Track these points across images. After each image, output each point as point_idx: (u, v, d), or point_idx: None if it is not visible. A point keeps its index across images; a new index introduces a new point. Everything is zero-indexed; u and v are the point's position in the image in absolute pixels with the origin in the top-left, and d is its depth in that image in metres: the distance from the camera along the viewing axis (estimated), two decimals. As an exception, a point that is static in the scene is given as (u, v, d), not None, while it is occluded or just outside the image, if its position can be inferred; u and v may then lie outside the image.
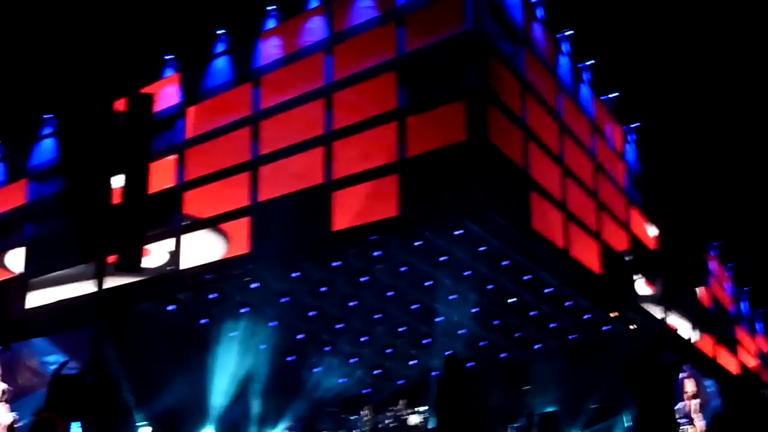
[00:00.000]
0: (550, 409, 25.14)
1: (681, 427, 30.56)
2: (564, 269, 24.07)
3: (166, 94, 26.00)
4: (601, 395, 25.19)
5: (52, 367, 27.21)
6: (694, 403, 32.80)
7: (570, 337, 28.06)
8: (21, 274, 27.91)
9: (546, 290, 25.49)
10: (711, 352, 35.90)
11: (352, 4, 23.08)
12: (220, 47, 25.43)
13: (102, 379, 23.67)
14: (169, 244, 24.44)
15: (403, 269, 24.33)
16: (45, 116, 28.82)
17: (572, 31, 26.14)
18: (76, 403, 17.51)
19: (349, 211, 21.66)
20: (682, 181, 31.58)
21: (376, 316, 26.86)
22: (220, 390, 24.46)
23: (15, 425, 25.79)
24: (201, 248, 23.93)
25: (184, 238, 24.35)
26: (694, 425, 32.55)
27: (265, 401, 25.34)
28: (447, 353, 17.61)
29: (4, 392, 27.41)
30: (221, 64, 25.26)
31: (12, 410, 23.43)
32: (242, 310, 24.97)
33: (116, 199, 19.13)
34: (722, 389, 37.40)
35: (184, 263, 24.07)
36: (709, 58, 33.49)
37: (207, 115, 25.00)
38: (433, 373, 27.84)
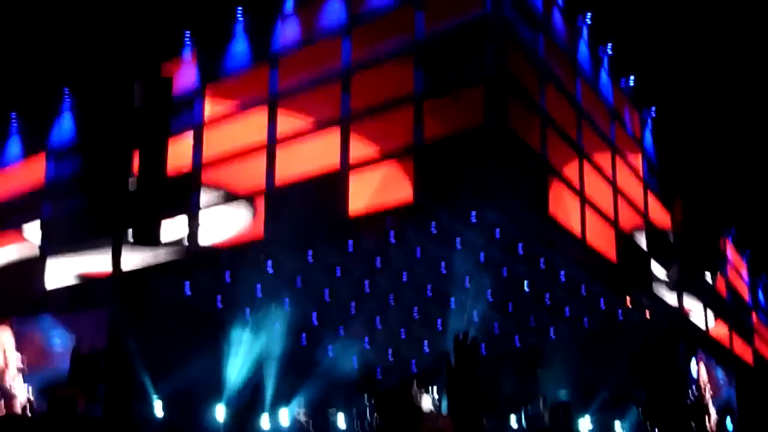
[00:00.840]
0: (562, 395, 25.22)
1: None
2: (579, 255, 24.09)
3: (184, 73, 26.07)
4: (614, 383, 25.21)
5: (57, 347, 27.55)
6: (707, 394, 32.90)
7: (584, 323, 28.05)
8: (40, 252, 28.14)
9: (561, 276, 25.50)
10: (727, 342, 35.89)
11: (371, -13, 23.09)
12: (238, 28, 25.45)
13: (119, 357, 24.03)
14: (186, 223, 24.64)
15: (417, 253, 24.38)
16: (64, 93, 28.92)
17: (591, 16, 25.97)
18: (97, 381, 17.71)
19: (364, 194, 21.75)
20: (698, 167, 31.44)
21: (389, 300, 26.94)
22: (234, 370, 24.64)
23: (31, 398, 26.18)
24: (222, 222, 24.14)
25: (203, 213, 24.56)
26: (708, 412, 32.69)
27: (278, 382, 25.50)
28: (457, 334, 17.56)
29: (20, 369, 27.82)
30: (239, 44, 25.29)
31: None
32: (257, 292, 25.10)
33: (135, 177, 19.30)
34: (737, 379, 37.45)
35: (202, 242, 24.26)
36: (728, 43, 33.27)
37: (225, 96, 25.07)
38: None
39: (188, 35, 26.31)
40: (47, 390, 25.19)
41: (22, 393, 27.60)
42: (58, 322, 27.94)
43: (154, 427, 22.01)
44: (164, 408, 22.70)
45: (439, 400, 25.99)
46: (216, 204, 24.33)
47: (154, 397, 23.02)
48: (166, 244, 23.90)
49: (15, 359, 28.23)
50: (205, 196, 24.65)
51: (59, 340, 27.74)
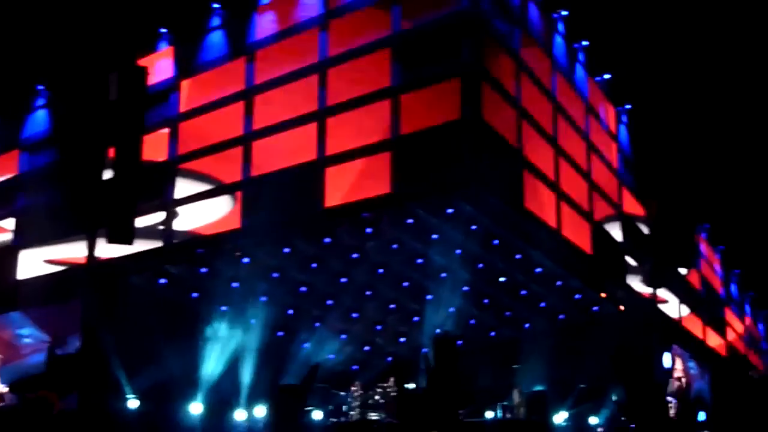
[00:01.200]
0: (538, 388, 25.29)
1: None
2: (555, 249, 24.17)
3: (161, 67, 25.95)
4: (590, 375, 25.35)
5: (26, 341, 27.40)
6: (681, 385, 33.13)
7: (560, 316, 28.18)
8: (12, 245, 27.95)
9: (537, 270, 25.58)
10: (700, 334, 36.18)
11: (348, -20, 23.05)
12: (215, 21, 25.36)
13: (93, 351, 23.78)
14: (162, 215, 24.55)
15: (394, 246, 24.39)
16: (38, 87, 28.77)
17: (568, 12, 26.08)
18: (72, 382, 17.72)
19: (341, 187, 21.73)
20: (673, 163, 31.64)
21: (366, 293, 26.94)
22: (210, 364, 24.55)
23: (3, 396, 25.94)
24: (198, 214, 24.08)
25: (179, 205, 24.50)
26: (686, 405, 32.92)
27: (255, 376, 25.43)
28: (437, 333, 17.61)
29: None
30: (216, 38, 25.21)
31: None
32: (233, 285, 25.03)
33: (109, 172, 19.09)
34: (711, 371, 37.76)
35: (178, 234, 24.17)
36: (703, 41, 33.52)
37: (201, 89, 24.97)
38: (423, 350, 28.04)
39: (165, 29, 26.20)
40: (18, 385, 25.05)
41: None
42: (28, 316, 27.81)
43: (130, 422, 21.87)
44: (140, 402, 22.56)
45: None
46: (192, 196, 24.22)
47: (129, 391, 22.86)
48: (141, 236, 23.81)
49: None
50: (181, 189, 24.54)
51: (28, 335, 27.64)
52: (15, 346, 27.65)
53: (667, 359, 30.29)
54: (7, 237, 28.39)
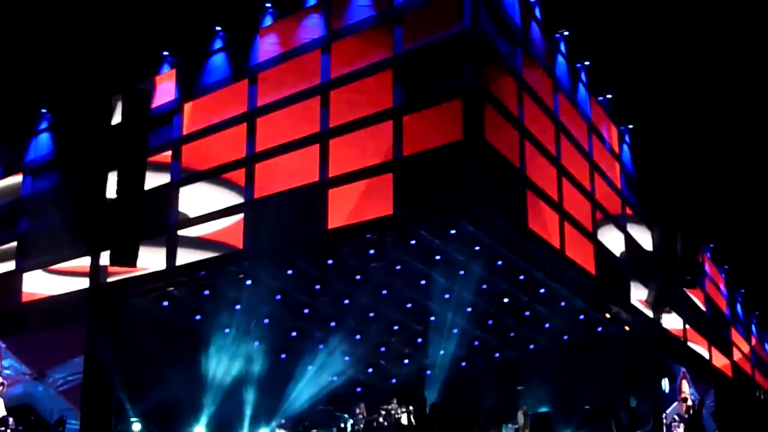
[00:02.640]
0: (543, 410, 25.22)
1: (673, 424, 30.78)
2: (559, 270, 24.16)
3: (163, 90, 26.07)
4: (594, 396, 25.25)
5: (7, 372, 27.47)
6: (687, 405, 33.02)
7: (564, 337, 28.12)
8: (15, 269, 28.00)
9: (540, 290, 25.58)
10: (706, 354, 36.06)
11: (350, 2, 23.10)
12: (217, 44, 25.48)
13: (97, 374, 23.81)
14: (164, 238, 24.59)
15: (397, 268, 24.41)
16: (42, 111, 28.91)
17: (569, 32, 26.15)
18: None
19: (344, 209, 21.72)
20: (676, 183, 31.64)
21: (370, 315, 26.93)
22: (213, 386, 24.51)
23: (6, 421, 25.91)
24: (200, 235, 24.08)
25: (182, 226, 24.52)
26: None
27: (258, 398, 25.39)
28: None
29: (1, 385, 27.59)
30: (218, 60, 25.30)
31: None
32: (236, 307, 25.03)
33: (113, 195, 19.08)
34: (716, 391, 37.63)
35: (180, 257, 24.19)
36: (705, 61, 33.58)
37: (203, 112, 25.05)
38: (428, 372, 28.01)
39: (167, 52, 26.33)
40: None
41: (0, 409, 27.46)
42: (8, 348, 27.96)
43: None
44: (143, 425, 22.51)
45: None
46: (194, 218, 24.26)
47: (132, 414, 22.83)
48: (145, 259, 23.85)
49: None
50: (184, 210, 24.58)
51: (8, 366, 27.74)
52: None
53: (666, 384, 30.21)
54: (8, 262, 28.43)
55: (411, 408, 25.80)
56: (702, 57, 33.33)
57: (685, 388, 33.12)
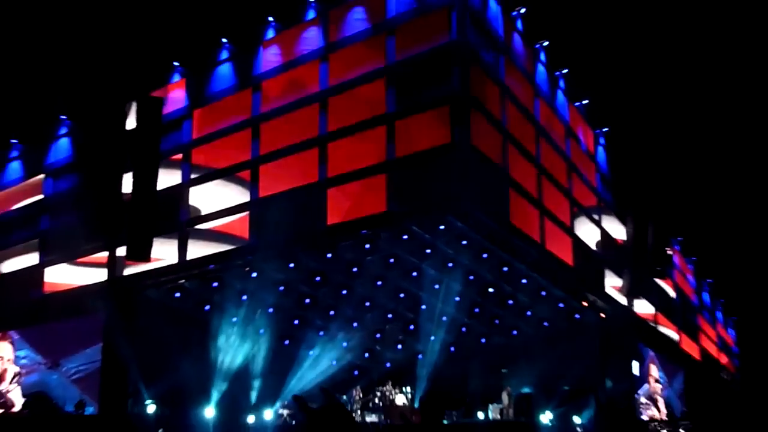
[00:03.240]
0: (526, 390, 25.29)
1: (642, 405, 30.92)
2: (539, 262, 24.22)
3: (174, 97, 26.10)
4: (573, 378, 25.36)
5: (23, 362, 27.59)
6: (659, 387, 33.20)
7: (544, 324, 28.18)
8: (38, 263, 28.04)
9: (523, 281, 25.63)
10: (676, 339, 36.19)
11: (346, 16, 23.15)
12: (223, 55, 25.51)
13: (114, 360, 23.87)
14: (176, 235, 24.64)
15: (391, 261, 24.46)
16: (61, 117, 28.93)
17: (548, 43, 26.22)
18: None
19: (341, 206, 21.79)
20: (648, 181, 31.77)
21: (366, 304, 26.99)
22: (222, 371, 24.57)
23: (28, 404, 26.01)
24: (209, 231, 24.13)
25: (192, 223, 24.56)
26: (657, 407, 32.98)
27: (263, 381, 25.46)
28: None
29: (16, 375, 27.69)
30: (225, 70, 25.34)
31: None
32: (243, 298, 25.10)
33: (127, 195, 19.12)
34: (686, 374, 37.78)
35: (191, 251, 24.24)
36: (671, 69, 33.79)
37: (211, 118, 25.08)
38: (419, 356, 28.10)
39: (177, 62, 26.37)
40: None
41: (17, 396, 27.51)
42: (25, 339, 28.09)
43: (148, 425, 21.87)
44: (157, 407, 22.57)
45: (411, 396, 26.07)
46: (203, 216, 24.30)
47: (147, 396, 22.88)
48: (157, 253, 23.93)
49: (12, 367, 28.18)
50: (194, 208, 24.63)
51: (24, 356, 27.86)
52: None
53: (636, 367, 30.32)
54: (31, 258, 28.47)
55: (406, 389, 26.03)
56: (669, 66, 33.52)
57: (653, 371, 33.25)
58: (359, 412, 24.99)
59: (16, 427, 22.79)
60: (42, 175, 29.11)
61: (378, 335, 29.43)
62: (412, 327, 28.39)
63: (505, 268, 24.86)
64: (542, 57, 26.09)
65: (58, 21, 28.82)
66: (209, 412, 23.25)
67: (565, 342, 26.94)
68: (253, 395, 25.30)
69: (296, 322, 27.58)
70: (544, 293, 26.43)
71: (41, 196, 28.85)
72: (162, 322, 23.97)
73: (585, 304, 27.48)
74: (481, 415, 24.59)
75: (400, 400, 25.74)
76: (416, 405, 25.55)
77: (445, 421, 23.59)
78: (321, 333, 27.99)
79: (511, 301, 27.12)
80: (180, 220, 24.62)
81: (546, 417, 23.16)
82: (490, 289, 26.35)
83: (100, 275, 25.77)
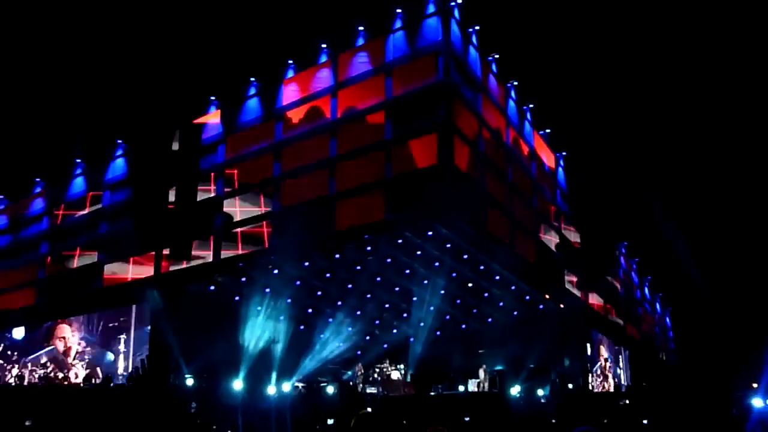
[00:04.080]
0: (498, 368, 25.22)
1: (595, 378, 30.80)
2: (510, 262, 24.20)
3: (211, 126, 26.08)
4: (537, 357, 25.31)
5: (82, 342, 27.52)
6: (608, 365, 33.05)
7: (514, 312, 28.14)
8: (97, 260, 27.98)
9: (496, 277, 25.61)
10: (622, 326, 36.15)
11: (352, 59, 23.18)
12: (251, 91, 25.51)
13: (160, 342, 23.73)
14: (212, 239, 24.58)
15: (388, 261, 24.43)
16: (117, 141, 28.90)
17: (518, 82, 26.27)
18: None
19: (348, 215, 21.77)
20: (599, 196, 31.74)
21: (367, 296, 26.93)
22: (248, 351, 24.49)
23: (91, 378, 25.86)
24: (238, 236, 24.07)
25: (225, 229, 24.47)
26: (607, 381, 32.89)
27: (282, 359, 25.37)
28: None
29: (77, 352, 27.56)
30: (252, 103, 25.33)
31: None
32: (266, 290, 25.04)
33: (172, 205, 18.97)
34: (630, 352, 37.71)
35: (224, 252, 24.20)
36: (624, 103, 33.79)
37: (241, 142, 25.07)
38: (411, 339, 28.03)
39: (213, 96, 26.37)
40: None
41: (80, 370, 27.41)
42: (81, 324, 28.06)
43: (188, 394, 21.78)
44: (195, 380, 22.49)
45: (405, 372, 25.99)
46: (235, 223, 24.25)
47: (187, 372, 22.79)
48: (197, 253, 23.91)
49: (75, 345, 28.12)
50: (227, 216, 24.57)
51: (81, 338, 27.85)
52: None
53: (589, 348, 30.26)
54: (91, 257, 28.41)
55: (400, 366, 25.94)
56: (618, 103, 33.57)
57: (603, 351, 33.18)
58: (361, 385, 24.91)
59: (78, 395, 22.75)
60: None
61: (377, 322, 29.36)
62: (405, 315, 28.33)
63: (482, 267, 24.85)
64: (513, 94, 26.13)
65: (113, 63, 28.91)
66: (237, 384, 23.14)
67: (530, 328, 26.90)
68: (274, 371, 25.20)
69: (310, 310, 27.53)
70: (513, 287, 26.39)
71: (101, 206, 28.81)
72: (199, 311, 23.93)
73: (547, 296, 27.45)
74: (461, 387, 24.52)
75: (395, 375, 25.66)
76: (408, 379, 25.49)
77: (432, 393, 23.56)
78: (330, 320, 27.93)
79: (486, 294, 27.09)
80: (215, 226, 24.57)
81: (515, 389, 23.07)
82: (469, 284, 26.32)
83: (149, 271, 25.71)
